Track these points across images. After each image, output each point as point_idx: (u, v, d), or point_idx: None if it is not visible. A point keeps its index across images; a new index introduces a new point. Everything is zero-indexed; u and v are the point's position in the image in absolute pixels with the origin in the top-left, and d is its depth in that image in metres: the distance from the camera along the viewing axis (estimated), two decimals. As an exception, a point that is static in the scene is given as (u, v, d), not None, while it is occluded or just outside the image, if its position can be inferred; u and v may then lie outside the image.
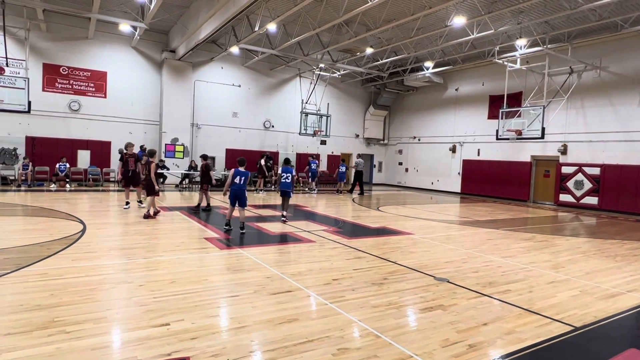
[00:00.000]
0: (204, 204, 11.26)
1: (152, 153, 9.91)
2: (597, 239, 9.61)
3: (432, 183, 23.44)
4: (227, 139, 20.85)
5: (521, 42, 15.38)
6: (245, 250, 6.64)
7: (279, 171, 10.24)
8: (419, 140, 24.53)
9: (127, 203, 10.78)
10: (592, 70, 16.29)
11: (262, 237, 8.07)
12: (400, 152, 25.96)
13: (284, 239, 7.86)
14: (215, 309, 4.12)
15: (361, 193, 18.49)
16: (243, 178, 8.18)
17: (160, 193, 10.75)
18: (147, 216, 9.33)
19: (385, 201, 16.72)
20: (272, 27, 14.24)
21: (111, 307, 4.00)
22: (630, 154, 15.23)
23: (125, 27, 15.80)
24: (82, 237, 7.04)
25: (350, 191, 19.19)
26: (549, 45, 15.56)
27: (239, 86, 21.14)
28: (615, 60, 15.71)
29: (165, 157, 18.52)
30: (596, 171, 16.10)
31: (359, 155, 20.50)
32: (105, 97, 18.10)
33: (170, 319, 3.73)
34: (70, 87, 17.41)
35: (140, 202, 11.38)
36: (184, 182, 18.26)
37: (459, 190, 21.73)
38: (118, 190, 15.24)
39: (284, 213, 9.90)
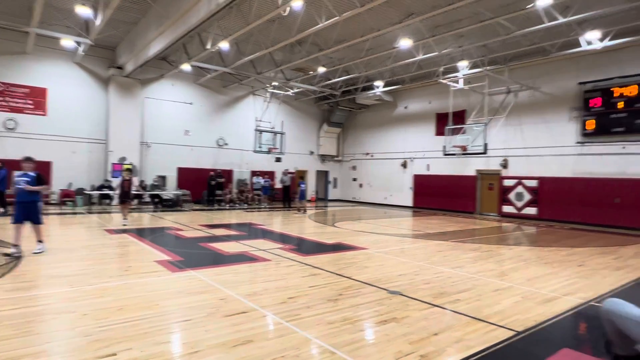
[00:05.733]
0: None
1: None
2: (536, 247, 10.27)
3: (386, 198, 24.05)
4: (179, 158, 20.33)
5: (463, 63, 16.40)
6: (199, 272, 6.46)
7: None
8: (372, 156, 25.18)
9: None
10: (527, 91, 17.63)
11: (216, 257, 7.89)
12: (354, 168, 26.49)
13: (239, 258, 7.73)
14: (167, 334, 3.97)
15: (288, 207, 19.55)
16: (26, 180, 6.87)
17: (105, 215, 10.08)
18: None
19: (340, 217, 16.92)
20: (224, 45, 14.24)
21: (52, 340, 3.74)
22: (562, 167, 16.54)
23: (67, 42, 15.15)
24: (18, 266, 6.54)
25: (284, 206, 20.14)
26: (487, 67, 16.69)
27: (191, 104, 20.79)
28: (547, 81, 17.13)
29: (112, 177, 17.70)
30: (534, 183, 17.30)
31: (286, 173, 21.19)
32: (45, 114, 17.11)
33: (117, 348, 3.56)
34: (5, 104, 16.30)
35: None
36: (132, 203, 17.48)
37: (411, 204, 22.44)
38: (60, 213, 14.34)
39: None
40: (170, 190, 18.99)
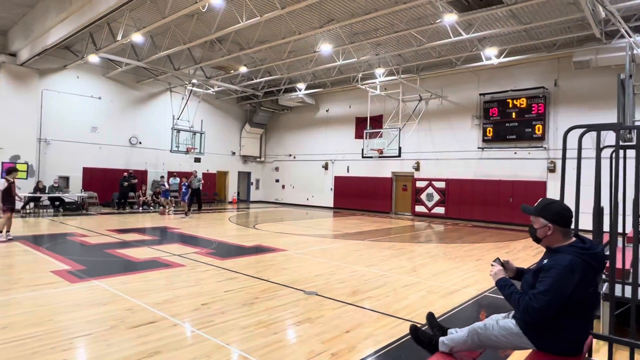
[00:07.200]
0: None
1: None
2: (442, 244, 11.14)
3: (308, 199, 24.36)
4: (85, 157, 18.61)
5: (380, 71, 17.24)
6: (103, 282, 5.99)
7: None
8: (294, 157, 25.35)
9: None
10: (436, 99, 19.03)
11: (125, 265, 7.37)
12: (276, 169, 26.44)
13: (150, 265, 7.30)
14: (60, 352, 3.62)
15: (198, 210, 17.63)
16: None
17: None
18: None
19: (262, 218, 16.79)
20: (137, 37, 13.36)
21: None
22: (466, 169, 18.13)
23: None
24: None
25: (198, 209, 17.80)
26: (402, 75, 17.72)
27: (99, 98, 19.17)
28: (453, 91, 18.66)
29: (2, 177, 15.64)
30: (442, 185, 18.74)
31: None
32: None
33: (-2, 372, 3.17)
34: None
35: None
36: (27, 207, 15.66)
37: (331, 205, 23.00)
38: None
39: None
40: (75, 193, 17.33)
